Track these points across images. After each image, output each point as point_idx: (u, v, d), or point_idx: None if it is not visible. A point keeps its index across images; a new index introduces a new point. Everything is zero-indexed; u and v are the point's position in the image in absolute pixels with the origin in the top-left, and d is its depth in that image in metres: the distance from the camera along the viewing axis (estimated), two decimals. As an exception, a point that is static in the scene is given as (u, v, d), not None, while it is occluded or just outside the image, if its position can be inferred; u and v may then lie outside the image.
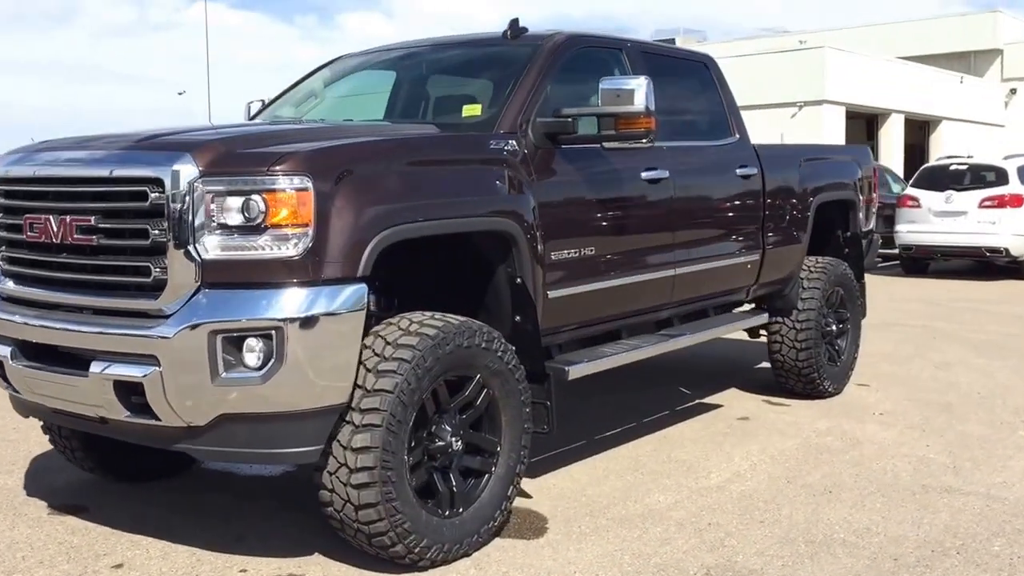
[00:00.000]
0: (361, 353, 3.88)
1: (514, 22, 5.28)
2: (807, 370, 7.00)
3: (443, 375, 4.04)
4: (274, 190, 3.64)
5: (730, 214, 6.12)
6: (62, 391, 3.96)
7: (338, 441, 3.81)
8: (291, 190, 3.64)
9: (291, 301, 3.63)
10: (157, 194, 3.69)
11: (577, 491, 5.13)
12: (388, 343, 3.91)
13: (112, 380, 3.74)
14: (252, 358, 3.62)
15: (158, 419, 3.72)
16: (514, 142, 4.55)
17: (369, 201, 3.80)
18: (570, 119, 4.70)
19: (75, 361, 3.89)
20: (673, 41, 37.09)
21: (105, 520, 4.61)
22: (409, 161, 4.11)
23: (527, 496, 5.03)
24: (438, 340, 3.96)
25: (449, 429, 4.15)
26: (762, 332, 7.06)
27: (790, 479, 5.36)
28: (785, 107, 27.62)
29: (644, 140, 4.70)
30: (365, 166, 3.87)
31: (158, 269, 3.71)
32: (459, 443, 4.18)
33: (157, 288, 3.72)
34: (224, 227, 3.64)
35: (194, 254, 3.63)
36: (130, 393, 3.73)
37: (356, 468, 3.78)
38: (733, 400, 7.20)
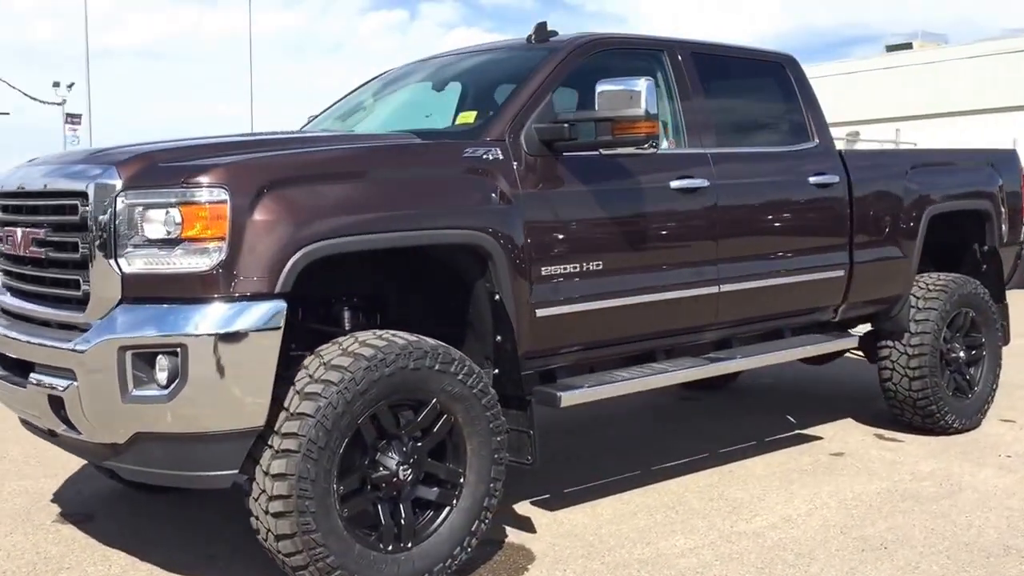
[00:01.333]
0: (297, 373, 3.67)
1: (540, 26, 4.94)
2: (923, 402, 6.17)
3: (384, 399, 3.76)
4: (189, 203, 3.50)
5: (798, 226, 5.47)
6: (19, 401, 4.00)
7: (260, 466, 3.62)
8: (206, 203, 3.49)
9: (198, 317, 3.47)
10: (84, 208, 3.64)
11: (591, 529, 4.70)
12: (323, 364, 3.68)
13: (44, 392, 3.72)
14: (162, 376, 3.50)
15: (80, 434, 3.67)
16: (498, 150, 4.21)
17: (293, 215, 3.59)
18: (566, 125, 4.30)
19: (24, 371, 3.91)
20: (910, 46, 34.58)
21: (97, 531, 4.64)
22: (350, 172, 3.86)
23: (530, 531, 4.66)
24: (375, 362, 3.69)
25: (396, 457, 3.86)
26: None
27: (846, 529, 4.69)
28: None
29: (646, 146, 4.21)
30: (292, 179, 3.66)
31: (86, 282, 3.66)
32: (409, 472, 3.87)
33: (84, 301, 3.67)
34: (145, 241, 3.54)
35: (115, 267, 3.55)
36: (59, 406, 3.69)
37: (273, 495, 3.57)
38: (838, 432, 6.47)
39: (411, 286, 4.38)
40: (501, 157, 4.20)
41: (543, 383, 4.56)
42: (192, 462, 3.61)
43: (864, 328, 6.39)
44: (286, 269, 3.55)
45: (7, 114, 34.46)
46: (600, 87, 4.25)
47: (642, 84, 4.17)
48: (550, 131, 4.32)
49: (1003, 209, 6.74)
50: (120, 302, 3.56)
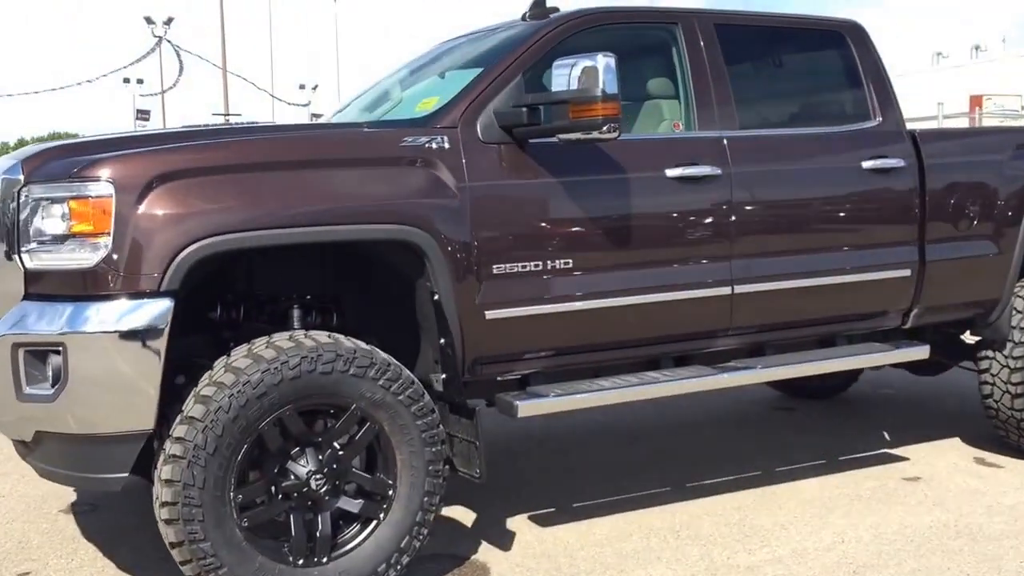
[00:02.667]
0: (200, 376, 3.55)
1: (537, 2, 4.55)
2: (1026, 423, 5.31)
3: (290, 404, 3.55)
4: (77, 197, 3.44)
5: (844, 218, 4.78)
6: None
7: (156, 470, 3.51)
8: (91, 198, 3.42)
9: (80, 315, 3.40)
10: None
11: (570, 550, 4.32)
12: (224, 366, 3.53)
13: None
14: (50, 375, 3.45)
15: None
16: (444, 138, 3.89)
17: (181, 210, 3.44)
18: (524, 109, 3.92)
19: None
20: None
21: (84, 524, 4.70)
22: (249, 165, 3.65)
23: (504, 549, 4.33)
24: (276, 365, 3.49)
25: (309, 466, 3.64)
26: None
27: (861, 569, 4.07)
28: None
29: (604, 130, 3.76)
30: (182, 173, 3.50)
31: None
32: (322, 482, 3.65)
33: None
34: (43, 236, 3.51)
35: (18, 263, 3.53)
36: None
37: (162, 502, 3.45)
38: (930, 453, 5.68)
39: (361, 286, 4.13)
40: (447, 146, 3.88)
41: (518, 389, 4.20)
42: (84, 463, 3.54)
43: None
44: (173, 266, 3.40)
45: (239, 115, 36.86)
46: (556, 65, 3.84)
47: (600, 60, 3.74)
48: (509, 116, 3.96)
49: None
50: (24, 297, 3.53)
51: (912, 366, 5.98)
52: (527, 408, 4.02)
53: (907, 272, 4.90)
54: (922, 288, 4.99)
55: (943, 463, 5.48)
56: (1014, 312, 5.32)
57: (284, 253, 3.84)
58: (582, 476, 5.31)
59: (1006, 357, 5.32)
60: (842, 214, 4.75)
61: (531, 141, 4.01)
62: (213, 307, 3.99)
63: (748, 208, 4.45)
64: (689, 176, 4.30)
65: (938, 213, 4.99)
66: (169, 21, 43.15)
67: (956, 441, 5.91)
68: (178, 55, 45.04)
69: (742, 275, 4.44)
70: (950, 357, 5.72)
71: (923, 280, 4.97)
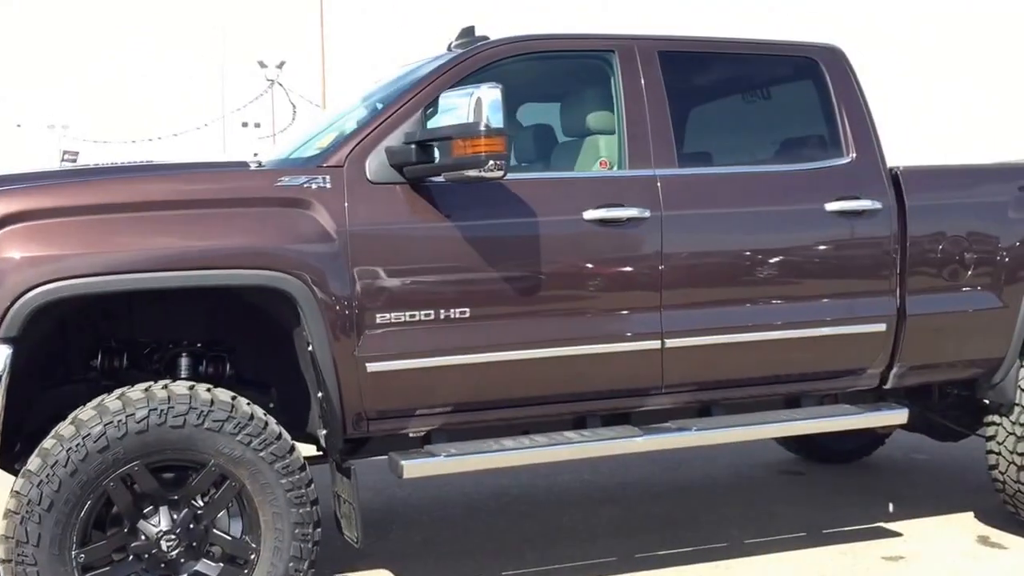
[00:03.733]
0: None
1: (465, 31, 4.29)
2: (1035, 496, 4.71)
3: (138, 459, 3.34)
4: None
5: (804, 265, 4.32)
6: None
7: (0, 523, 3.35)
8: None
9: (-87, 360, 3.26)
10: None
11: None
12: (71, 419, 3.36)
13: None
14: None
15: None
16: (327, 179, 3.65)
17: (22, 253, 3.29)
18: (413, 146, 3.66)
19: None
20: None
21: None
22: (111, 206, 3.47)
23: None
24: (120, 418, 3.30)
25: (161, 525, 3.42)
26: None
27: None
28: None
29: (488, 167, 3.46)
30: (26, 214, 3.35)
31: None
32: (174, 542, 3.42)
33: None
34: None
35: None
36: None
37: (-1, 559, 3.27)
38: (932, 530, 5.11)
39: (258, 335, 3.91)
40: (329, 187, 3.63)
41: (417, 447, 3.90)
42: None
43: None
44: (10, 313, 3.24)
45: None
46: (442, 98, 3.57)
47: (484, 92, 3.45)
48: (399, 154, 3.70)
49: None
50: None
51: (932, 431, 5.46)
52: (413, 468, 3.70)
53: (882, 327, 4.40)
54: (902, 344, 4.47)
55: (941, 541, 4.91)
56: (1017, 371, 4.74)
57: (165, 298, 3.65)
58: (524, 542, 4.94)
59: (1013, 423, 4.74)
60: (798, 261, 4.29)
61: (429, 182, 3.72)
62: (94, 355, 3.82)
63: (682, 254, 4.06)
64: (610, 219, 3.94)
65: (923, 261, 4.48)
66: (281, 65, 44.32)
67: (968, 516, 5.31)
68: (289, 98, 46.18)
69: (674, 328, 4.04)
70: (961, 422, 5.15)
71: (903, 336, 4.45)
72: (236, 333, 3.92)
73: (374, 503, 5.49)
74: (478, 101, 3.43)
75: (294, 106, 45.49)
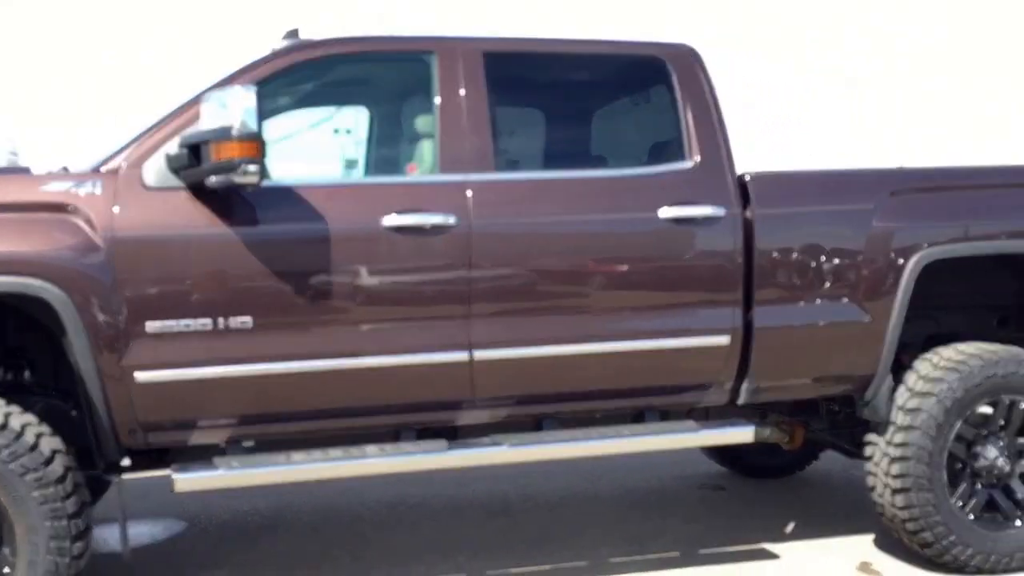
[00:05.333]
0: None
1: (290, 33, 4.19)
2: (912, 524, 4.41)
3: None
4: None
5: (631, 274, 4.09)
6: None
7: None
8: None
9: None
10: None
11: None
12: None
13: None
14: None
15: None
16: (97, 184, 3.58)
17: None
18: (186, 150, 3.57)
19: None
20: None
21: None
22: None
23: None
24: None
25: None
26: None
27: None
28: None
29: (241, 172, 3.35)
30: None
31: None
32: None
33: None
34: None
35: None
36: None
37: None
38: (818, 553, 4.84)
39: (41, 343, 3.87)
40: (99, 192, 3.56)
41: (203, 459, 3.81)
42: None
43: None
44: None
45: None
46: (204, 100, 3.46)
47: (237, 94, 3.33)
48: (173, 159, 3.61)
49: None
50: None
51: (840, 450, 5.14)
52: (187, 482, 3.62)
53: (724, 339, 4.15)
54: (752, 359, 4.21)
55: (816, 565, 4.64)
56: (903, 388, 4.43)
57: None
58: (378, 557, 4.82)
59: (887, 443, 4.44)
60: (628, 271, 4.07)
61: (209, 187, 3.62)
62: None
63: (493, 263, 3.89)
64: (411, 225, 3.79)
65: (774, 272, 4.22)
66: None
67: (866, 539, 5.00)
68: None
69: (483, 340, 3.87)
70: (852, 442, 4.86)
71: (751, 350, 4.20)
72: (31, 341, 3.86)
73: (245, 507, 5.44)
74: (232, 104, 3.31)
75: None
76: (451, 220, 3.80)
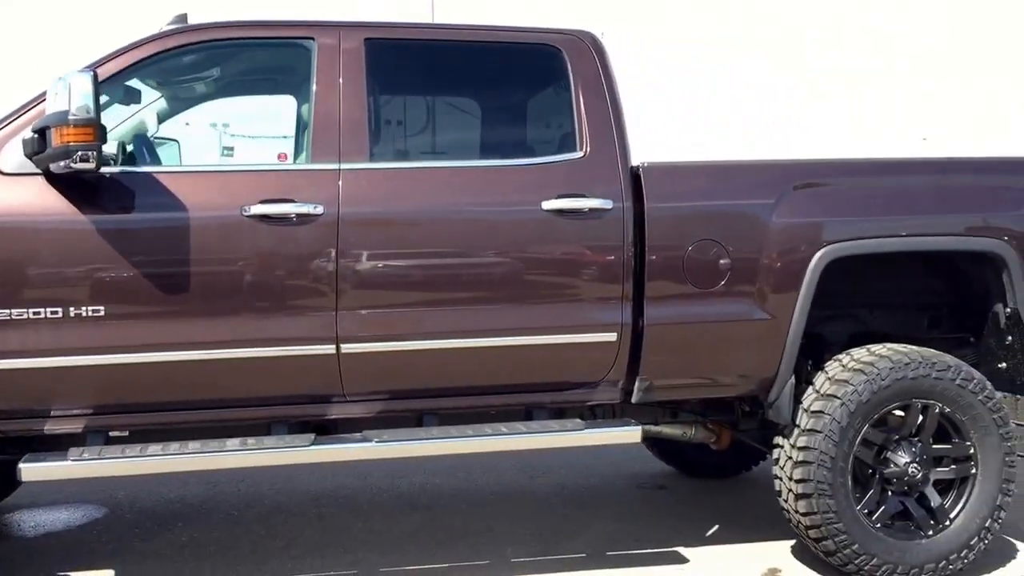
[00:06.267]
0: None
1: (178, 18, 4.12)
2: (813, 531, 4.26)
3: None
4: None
5: (511, 267, 3.96)
6: None
7: None
8: None
9: None
10: None
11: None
12: None
13: None
14: None
15: None
16: None
17: None
18: (35, 135, 3.53)
19: None
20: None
21: None
22: None
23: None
24: None
25: None
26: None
27: None
28: None
29: (76, 158, 3.29)
30: None
31: None
32: None
33: None
34: None
35: None
36: None
37: None
38: (725, 557, 4.71)
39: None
40: None
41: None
42: None
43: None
44: None
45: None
46: (50, 85, 3.42)
47: (74, 78, 3.28)
48: (26, 144, 3.57)
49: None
50: None
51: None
52: (32, 472, 3.58)
53: (611, 336, 4.01)
54: (643, 356, 4.07)
55: (722, 572, 4.48)
56: (810, 390, 4.27)
57: None
58: (280, 548, 4.76)
59: (791, 447, 4.27)
60: (507, 263, 3.94)
61: (67, 173, 3.56)
62: None
63: (363, 254, 3.80)
64: (275, 214, 3.71)
65: (666, 266, 4.06)
66: None
67: (784, 544, 4.83)
68: None
69: (351, 332, 3.78)
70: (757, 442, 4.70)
71: (641, 346, 4.05)
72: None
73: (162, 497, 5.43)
74: (69, 88, 3.26)
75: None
76: (318, 210, 3.71)
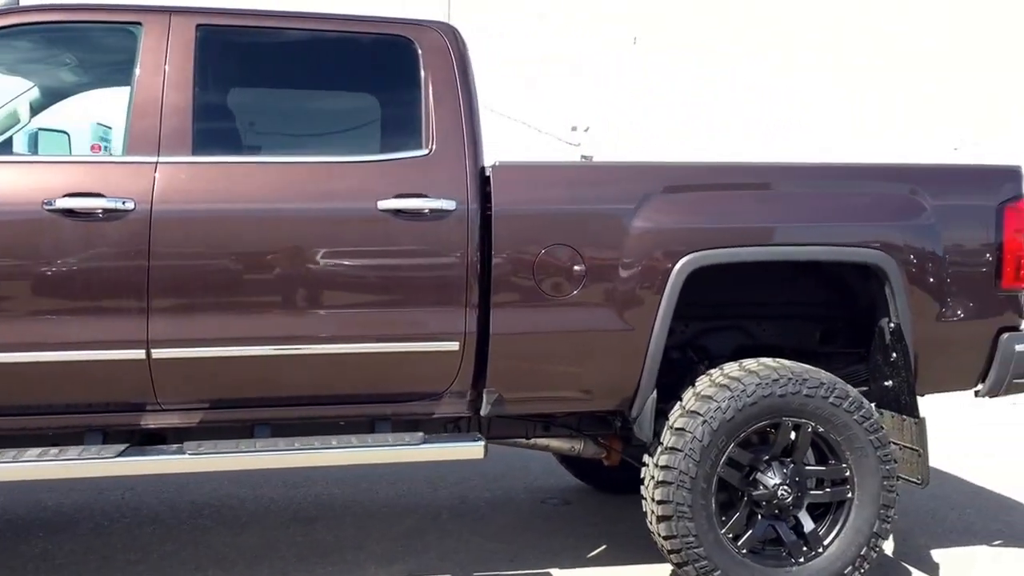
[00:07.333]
0: None
1: (11, 1, 3.94)
2: (674, 555, 4.02)
3: None
4: None
5: (341, 270, 3.74)
6: None
7: None
8: None
9: None
10: None
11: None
12: None
13: None
14: None
15: None
16: None
17: None
18: None
19: None
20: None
21: None
22: None
23: None
24: None
25: None
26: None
27: None
28: None
29: None
30: None
31: None
32: None
33: None
34: None
35: None
36: None
37: None
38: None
39: None
40: None
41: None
42: None
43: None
44: None
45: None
46: None
47: None
48: None
49: (931, 265, 4.16)
50: None
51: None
52: None
53: (453, 345, 3.78)
54: (490, 367, 3.83)
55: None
56: (677, 406, 4.02)
57: None
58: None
59: (653, 466, 4.03)
60: (337, 266, 3.72)
61: None
62: None
63: (176, 254, 3.58)
64: (80, 209, 3.51)
65: (514, 272, 3.83)
66: None
67: (667, 568, 4.57)
68: None
69: (164, 337, 3.56)
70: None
71: (487, 357, 3.82)
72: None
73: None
74: None
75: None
76: (128, 205, 3.50)
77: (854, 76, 15.65)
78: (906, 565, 4.62)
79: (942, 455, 6.75)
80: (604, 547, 4.84)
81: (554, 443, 4.52)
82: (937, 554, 4.79)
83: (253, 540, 4.86)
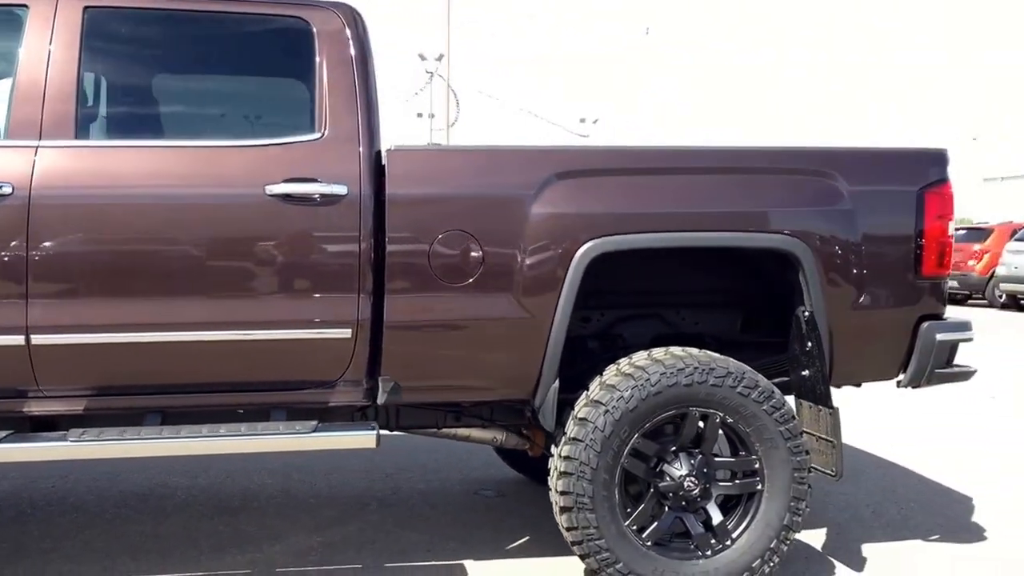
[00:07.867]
0: None
1: None
2: (577, 547, 3.94)
3: None
4: None
5: (226, 255, 3.66)
6: None
7: None
8: None
9: None
10: None
11: None
12: None
13: None
14: None
15: None
16: None
17: None
18: None
19: None
20: None
21: None
22: None
23: None
24: None
25: None
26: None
27: None
28: None
29: None
30: None
31: None
32: None
33: None
34: None
35: None
36: None
37: None
38: (515, 573, 4.36)
39: None
40: None
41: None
42: None
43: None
44: None
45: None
46: None
47: None
48: None
49: (847, 252, 4.05)
50: None
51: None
52: None
53: (345, 332, 3.70)
54: (384, 355, 3.75)
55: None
56: (583, 396, 3.94)
57: None
58: None
59: (556, 456, 3.95)
60: (217, 251, 3.64)
61: None
62: None
63: (55, 239, 3.52)
64: (-41, 192, 3.44)
65: (409, 259, 3.75)
66: (440, 57, 44.26)
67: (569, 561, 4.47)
68: (452, 91, 46.11)
69: (43, 322, 3.49)
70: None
71: (380, 344, 3.74)
72: None
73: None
74: None
75: (457, 99, 45.61)
76: (5, 190, 3.44)
77: (847, 72, 15.52)
78: (832, 560, 4.52)
79: (895, 446, 6.66)
80: (526, 539, 4.76)
81: (475, 433, 4.44)
82: (868, 549, 4.68)
83: (174, 530, 4.80)
